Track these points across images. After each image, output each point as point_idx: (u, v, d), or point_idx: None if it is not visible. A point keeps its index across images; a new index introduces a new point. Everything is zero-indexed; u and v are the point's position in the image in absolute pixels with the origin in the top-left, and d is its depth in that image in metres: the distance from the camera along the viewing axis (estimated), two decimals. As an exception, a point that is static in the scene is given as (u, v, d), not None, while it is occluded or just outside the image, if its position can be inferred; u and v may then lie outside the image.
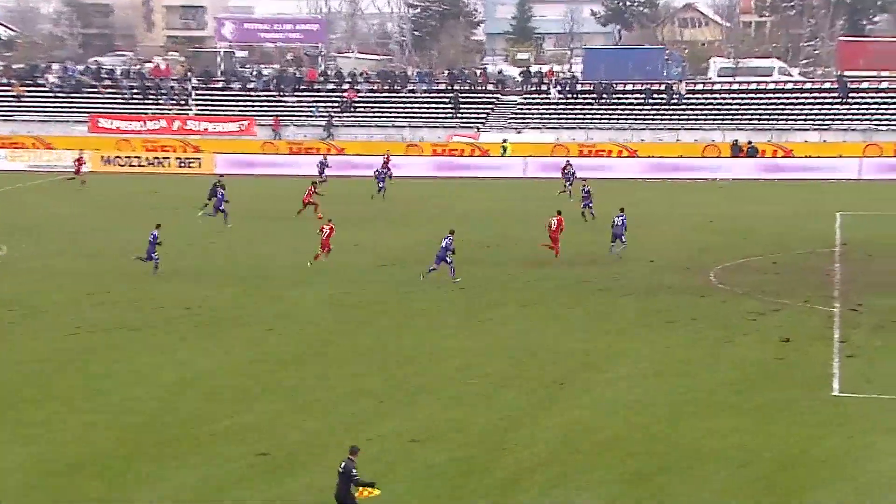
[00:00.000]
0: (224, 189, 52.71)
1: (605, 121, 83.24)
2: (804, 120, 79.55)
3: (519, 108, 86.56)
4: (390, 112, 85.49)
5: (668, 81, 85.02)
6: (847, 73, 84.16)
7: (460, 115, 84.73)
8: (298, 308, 35.34)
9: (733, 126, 79.69)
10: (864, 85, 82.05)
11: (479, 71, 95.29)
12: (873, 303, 35.22)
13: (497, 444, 23.21)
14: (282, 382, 27.37)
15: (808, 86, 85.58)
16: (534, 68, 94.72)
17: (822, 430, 23.86)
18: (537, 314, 34.66)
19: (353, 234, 48.05)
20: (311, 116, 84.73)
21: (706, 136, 78.86)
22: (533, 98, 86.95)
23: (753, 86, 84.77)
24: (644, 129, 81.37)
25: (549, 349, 30.58)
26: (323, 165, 68.23)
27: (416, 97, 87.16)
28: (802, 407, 25.50)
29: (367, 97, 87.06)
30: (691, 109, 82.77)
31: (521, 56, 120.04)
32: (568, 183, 60.72)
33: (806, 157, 72.64)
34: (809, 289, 37.77)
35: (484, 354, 29.91)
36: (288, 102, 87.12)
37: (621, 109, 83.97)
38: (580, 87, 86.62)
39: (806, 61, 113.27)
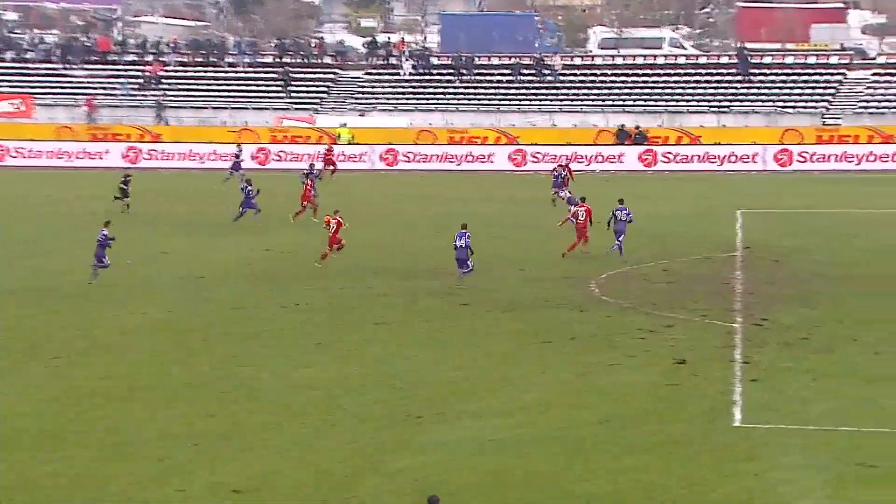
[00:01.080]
0: (250, 185, 54.02)
1: (466, 101, 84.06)
2: (699, 101, 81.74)
3: (363, 87, 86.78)
4: (205, 90, 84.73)
5: (541, 54, 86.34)
6: (748, 45, 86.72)
7: (292, 95, 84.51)
8: (113, 333, 34.79)
9: (618, 108, 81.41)
10: (768, 59, 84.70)
11: (313, 41, 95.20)
12: (780, 317, 36.38)
13: (338, 494, 23.24)
14: (95, 424, 26.90)
15: (704, 60, 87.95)
16: (380, 38, 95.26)
17: (721, 470, 24.52)
18: (401, 336, 34.85)
19: (173, 241, 47.53)
20: (122, 96, 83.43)
21: (586, 120, 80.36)
22: (380, 74, 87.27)
23: (640, 60, 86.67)
24: (513, 111, 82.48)
25: (411, 377, 30.69)
26: (237, 159, 68.27)
27: (237, 72, 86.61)
28: (698, 442, 26.17)
29: (177, 72, 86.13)
30: (568, 88, 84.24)
31: (364, 23, 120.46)
32: (559, 190, 56.44)
33: (703, 143, 74.58)
34: (707, 301, 38.80)
35: (339, 385, 29.91)
36: (76, 78, 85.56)
37: (486, 88, 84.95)
38: (436, 62, 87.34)
39: (701, 31, 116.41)
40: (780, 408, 28.33)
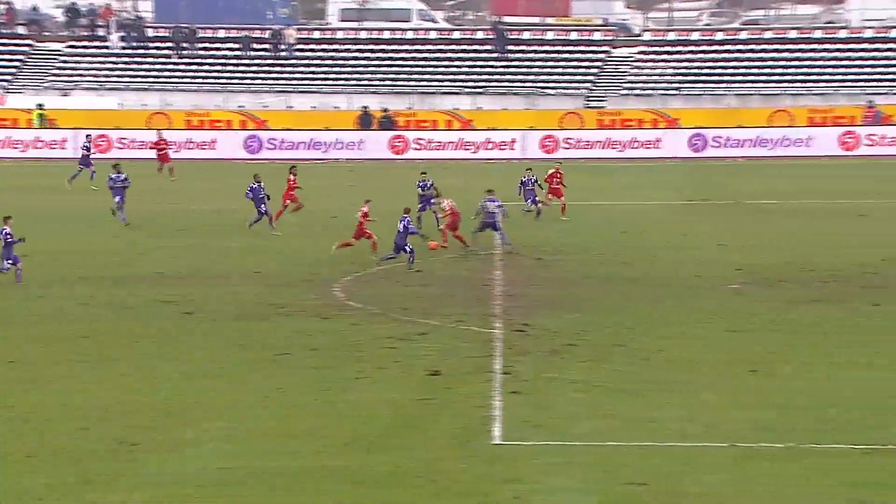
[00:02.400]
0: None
1: (188, 80, 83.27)
2: (453, 80, 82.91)
3: (64, 62, 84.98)
4: None
5: (273, 27, 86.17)
6: (504, 19, 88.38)
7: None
8: None
9: (361, 88, 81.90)
10: (526, 35, 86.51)
11: (0, 7, 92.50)
12: (544, 322, 37.25)
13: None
14: None
15: (457, 35, 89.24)
16: (83, 5, 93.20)
17: (478, 495, 25.02)
18: (110, 351, 34.43)
19: None
20: None
21: (326, 101, 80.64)
22: (84, 48, 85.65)
23: (386, 34, 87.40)
24: (243, 91, 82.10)
25: (122, 400, 30.39)
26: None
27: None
28: (451, 464, 26.63)
29: None
30: (305, 65, 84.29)
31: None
32: (529, 201, 54.18)
33: (453, 129, 75.62)
34: (464, 305, 39.46)
35: (35, 413, 29.35)
36: None
37: (210, 65, 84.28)
38: (151, 34, 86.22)
39: (453, 3, 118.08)
40: (544, 423, 29.03)
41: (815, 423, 29.05)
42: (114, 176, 52.35)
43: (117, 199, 52.06)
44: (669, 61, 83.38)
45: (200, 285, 41.77)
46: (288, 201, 52.58)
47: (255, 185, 50.67)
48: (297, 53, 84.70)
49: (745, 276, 43.20)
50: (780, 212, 48.15)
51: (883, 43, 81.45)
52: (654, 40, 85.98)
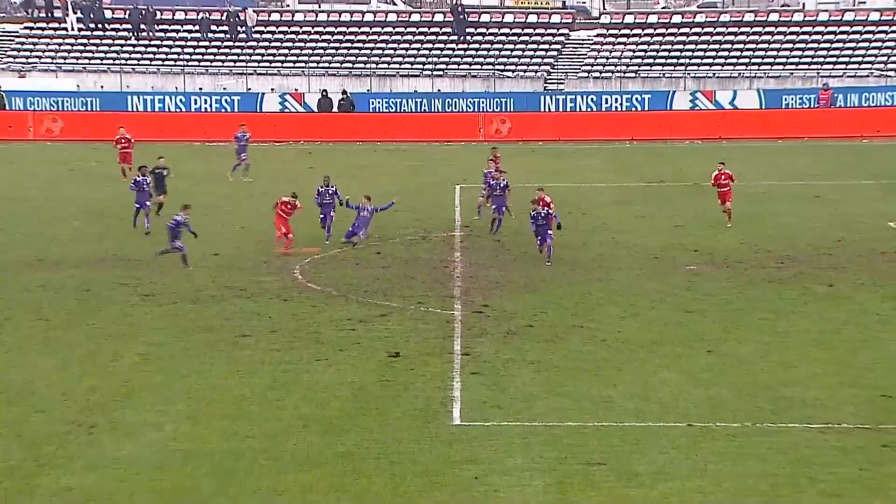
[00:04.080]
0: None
1: (146, 62, 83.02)
2: (412, 63, 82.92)
3: (21, 43, 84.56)
4: None
5: (232, 9, 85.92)
6: (463, 2, 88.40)
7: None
8: None
9: (322, 71, 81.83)
10: (485, 18, 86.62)
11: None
12: (503, 303, 37.45)
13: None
14: None
15: (416, 18, 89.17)
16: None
17: (437, 476, 25.16)
18: (69, 333, 34.40)
19: None
20: None
21: (286, 84, 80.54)
22: (41, 29, 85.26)
23: (345, 17, 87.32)
24: (202, 73, 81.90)
25: (80, 382, 30.40)
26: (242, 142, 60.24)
27: None
28: (413, 444, 26.79)
29: None
30: (264, 48, 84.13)
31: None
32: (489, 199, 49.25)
33: (417, 112, 75.57)
34: (424, 287, 39.63)
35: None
36: None
37: (169, 47, 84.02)
38: (109, 15, 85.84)
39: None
40: (503, 404, 29.23)
41: (770, 403, 29.34)
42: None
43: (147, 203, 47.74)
44: (627, 44, 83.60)
45: (160, 268, 41.73)
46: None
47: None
48: (256, 36, 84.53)
49: (702, 257, 43.49)
50: (737, 194, 48.39)
51: (837, 26, 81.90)
52: (612, 23, 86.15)
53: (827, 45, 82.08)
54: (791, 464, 25.76)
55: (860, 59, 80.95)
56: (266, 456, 26.11)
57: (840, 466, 25.64)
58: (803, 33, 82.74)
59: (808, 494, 24.37)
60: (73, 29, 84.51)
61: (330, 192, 45.64)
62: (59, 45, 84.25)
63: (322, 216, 45.59)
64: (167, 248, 41.44)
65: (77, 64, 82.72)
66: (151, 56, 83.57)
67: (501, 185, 47.64)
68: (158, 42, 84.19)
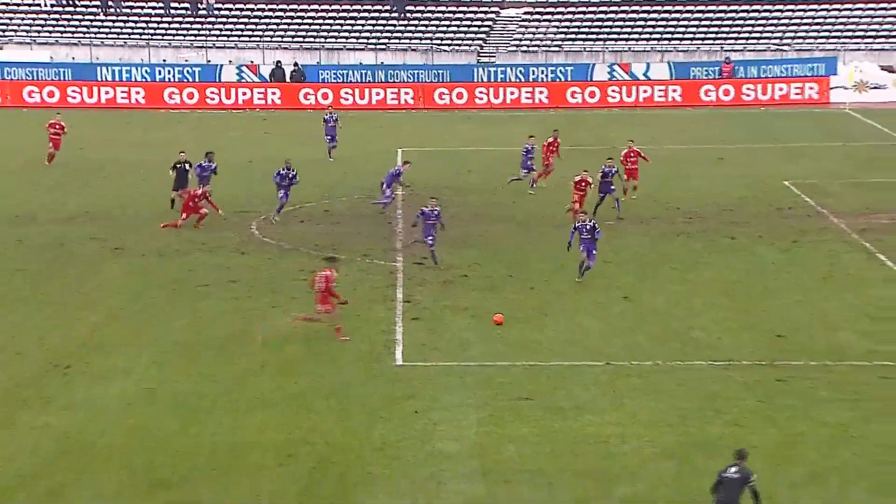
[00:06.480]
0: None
1: (114, 36, 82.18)
2: (357, 38, 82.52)
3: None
4: None
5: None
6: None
7: None
8: None
9: (276, 45, 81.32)
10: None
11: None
12: (441, 256, 37.52)
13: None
14: None
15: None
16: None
17: (382, 412, 25.30)
18: (45, 284, 34.21)
19: None
20: None
21: (242, 56, 80.00)
22: (18, 4, 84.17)
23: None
24: (166, 46, 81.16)
25: (55, 329, 30.27)
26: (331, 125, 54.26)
27: None
28: (359, 384, 26.88)
29: None
30: (223, 23, 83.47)
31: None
32: (525, 170, 47.55)
33: (359, 86, 75.03)
34: (369, 241, 39.63)
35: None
36: None
37: (135, 22, 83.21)
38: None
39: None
40: (441, 346, 29.37)
41: (680, 345, 29.64)
42: (204, 164, 43.65)
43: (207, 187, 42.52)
44: (552, 21, 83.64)
45: (128, 225, 41.49)
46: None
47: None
48: (215, 12, 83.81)
49: (614, 213, 43.63)
50: (650, 156, 48.57)
51: (739, 4, 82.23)
52: (538, 2, 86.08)
53: (730, 21, 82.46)
54: (698, 398, 26.06)
55: (759, 34, 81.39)
56: (226, 397, 26.12)
57: (741, 399, 25.98)
58: (709, 11, 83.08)
59: (714, 425, 24.69)
60: (46, 5, 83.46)
61: (290, 175, 42.67)
62: (34, 20, 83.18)
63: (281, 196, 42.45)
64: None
65: (50, 37, 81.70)
66: (119, 30, 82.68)
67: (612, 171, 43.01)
68: (125, 17, 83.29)
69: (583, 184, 41.86)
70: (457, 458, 23.08)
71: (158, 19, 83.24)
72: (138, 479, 22.21)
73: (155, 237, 39.73)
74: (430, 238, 36.07)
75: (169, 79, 75.13)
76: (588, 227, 34.53)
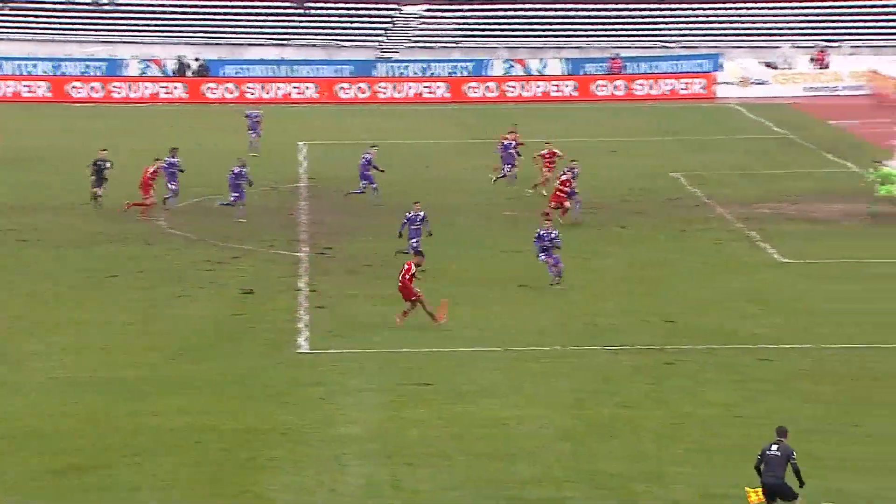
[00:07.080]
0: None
1: (21, 31, 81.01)
2: (259, 32, 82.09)
3: None
4: None
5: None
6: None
7: None
8: None
9: (180, 40, 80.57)
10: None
11: None
12: (345, 246, 37.65)
13: None
14: None
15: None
16: None
17: (287, 397, 25.42)
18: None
19: None
20: None
21: (148, 52, 79.19)
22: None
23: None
24: (69, 41, 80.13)
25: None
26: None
27: None
28: (265, 370, 26.96)
29: None
30: (127, 18, 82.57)
31: None
32: (508, 166, 46.67)
33: (262, 80, 74.58)
34: (273, 232, 39.62)
35: None
36: None
37: (40, 17, 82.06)
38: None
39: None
40: (345, 333, 29.54)
41: (577, 330, 30.08)
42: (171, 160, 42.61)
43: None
44: (451, 18, 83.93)
45: (37, 216, 41.08)
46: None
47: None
48: (120, 7, 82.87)
49: (518, 205, 44.01)
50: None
51: (628, 3, 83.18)
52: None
53: (620, 19, 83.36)
54: (593, 380, 26.51)
55: (647, 32, 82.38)
56: (140, 383, 26.08)
57: (633, 382, 26.48)
58: (600, 9, 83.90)
59: (607, 406, 25.13)
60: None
61: (244, 173, 41.38)
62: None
63: (235, 196, 41.43)
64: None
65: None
66: (24, 25, 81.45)
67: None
68: (29, 13, 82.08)
69: (550, 156, 43.32)
70: (360, 441, 23.27)
71: (63, 15, 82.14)
72: (54, 462, 22.09)
73: (64, 229, 39.34)
74: (416, 240, 35.19)
75: (73, 73, 74.24)
76: (551, 235, 33.76)
